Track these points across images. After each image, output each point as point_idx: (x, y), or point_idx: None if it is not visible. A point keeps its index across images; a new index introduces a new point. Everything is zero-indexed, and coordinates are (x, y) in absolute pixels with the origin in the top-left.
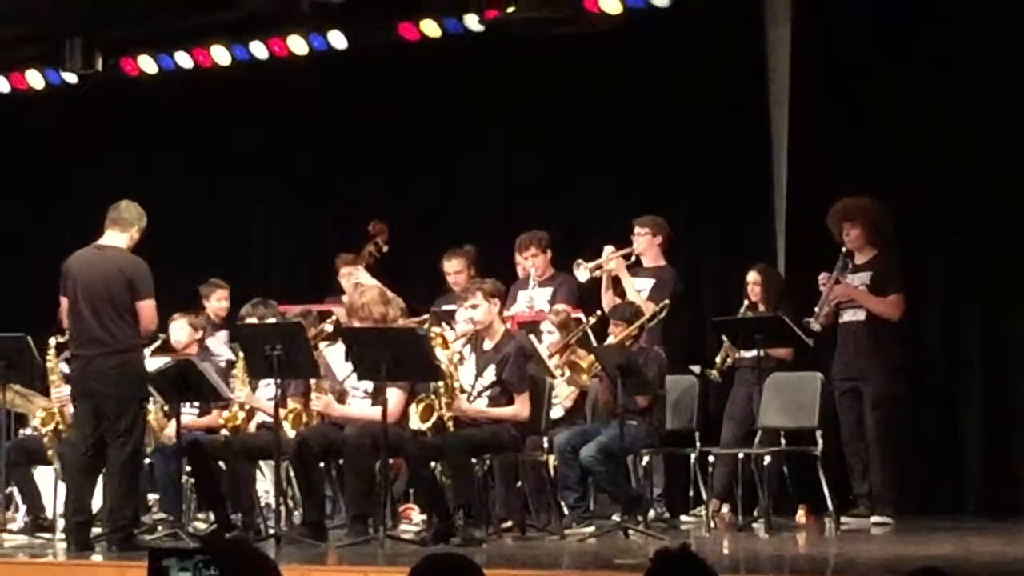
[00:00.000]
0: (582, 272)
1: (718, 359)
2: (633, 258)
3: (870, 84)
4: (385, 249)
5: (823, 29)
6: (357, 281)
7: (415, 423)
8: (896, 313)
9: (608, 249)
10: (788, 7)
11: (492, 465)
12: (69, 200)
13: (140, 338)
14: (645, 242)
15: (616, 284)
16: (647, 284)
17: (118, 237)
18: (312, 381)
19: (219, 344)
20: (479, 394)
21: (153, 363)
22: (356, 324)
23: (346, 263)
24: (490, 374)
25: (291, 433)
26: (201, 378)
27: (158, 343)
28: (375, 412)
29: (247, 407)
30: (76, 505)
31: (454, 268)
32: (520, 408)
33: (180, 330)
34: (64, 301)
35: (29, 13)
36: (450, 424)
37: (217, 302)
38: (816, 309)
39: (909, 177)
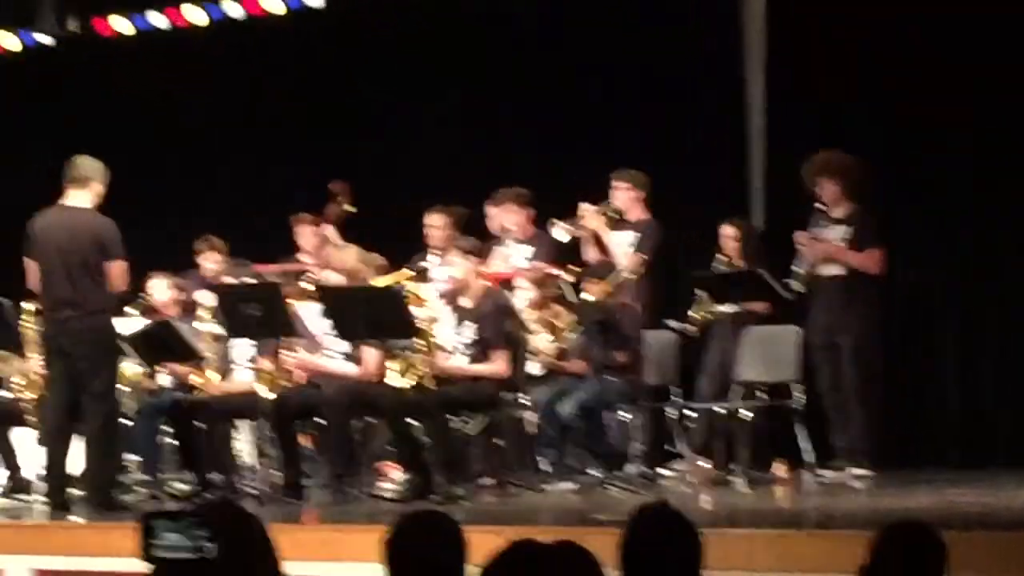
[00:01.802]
0: (558, 231)
1: (694, 314)
2: (614, 214)
3: (851, 33)
4: (349, 208)
5: None
6: (327, 239)
7: (394, 380)
8: (875, 267)
9: (585, 207)
10: None
11: (471, 422)
12: (43, 163)
13: (110, 299)
14: (625, 197)
15: (598, 241)
16: (630, 237)
17: (81, 196)
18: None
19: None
20: (458, 351)
21: (133, 324)
22: (327, 275)
23: (302, 222)
24: (468, 332)
25: (266, 394)
26: (178, 339)
27: (142, 304)
28: (353, 369)
29: (220, 368)
30: (54, 466)
31: (434, 223)
32: (499, 365)
33: (160, 289)
34: (29, 263)
35: None
36: (429, 382)
37: (208, 263)
38: (795, 269)
39: (890, 129)
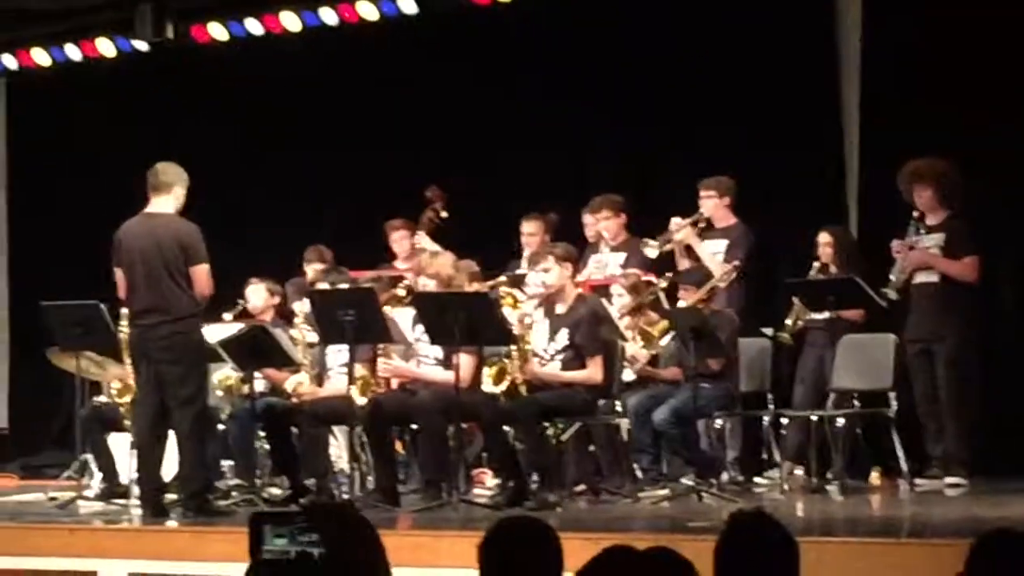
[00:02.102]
0: (650, 250)
1: (788, 321)
2: (703, 224)
3: (946, 39)
4: (444, 215)
5: None
6: (420, 246)
7: (488, 387)
8: (971, 275)
9: (676, 221)
10: None
11: (564, 428)
12: (140, 169)
13: (196, 304)
14: (712, 204)
15: (690, 251)
16: (721, 246)
17: (164, 202)
18: (380, 346)
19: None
20: (552, 358)
21: (229, 328)
22: (422, 282)
23: (395, 228)
24: (563, 338)
25: (360, 400)
26: (274, 344)
27: (238, 309)
28: (447, 376)
29: (315, 372)
30: (147, 470)
31: (530, 230)
32: (593, 372)
33: (257, 295)
34: (118, 272)
35: None
36: (523, 388)
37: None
38: (891, 277)
39: (986, 136)
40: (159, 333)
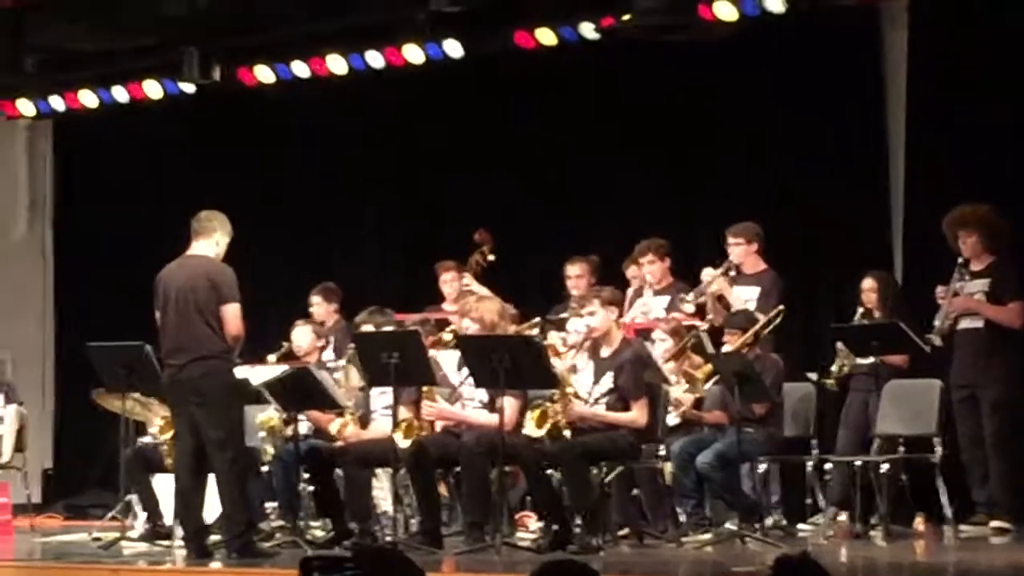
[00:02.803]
0: (688, 307)
1: (834, 368)
2: (733, 271)
3: (989, 88)
4: (491, 258)
5: (941, 32)
6: (468, 288)
7: (531, 430)
8: (1016, 321)
9: (707, 272)
10: (905, 10)
11: (609, 472)
12: (186, 210)
13: (227, 345)
14: (741, 251)
15: (722, 300)
16: (753, 293)
17: (203, 246)
18: (424, 388)
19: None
20: (596, 401)
21: (273, 370)
22: (464, 324)
23: (446, 270)
24: (607, 381)
25: (403, 443)
26: (318, 386)
27: (283, 351)
28: (491, 419)
29: (360, 414)
30: (187, 512)
31: (575, 272)
32: (638, 415)
33: (303, 336)
34: (158, 315)
35: (147, 24)
36: (567, 431)
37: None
38: (935, 323)
39: None
40: (188, 374)
